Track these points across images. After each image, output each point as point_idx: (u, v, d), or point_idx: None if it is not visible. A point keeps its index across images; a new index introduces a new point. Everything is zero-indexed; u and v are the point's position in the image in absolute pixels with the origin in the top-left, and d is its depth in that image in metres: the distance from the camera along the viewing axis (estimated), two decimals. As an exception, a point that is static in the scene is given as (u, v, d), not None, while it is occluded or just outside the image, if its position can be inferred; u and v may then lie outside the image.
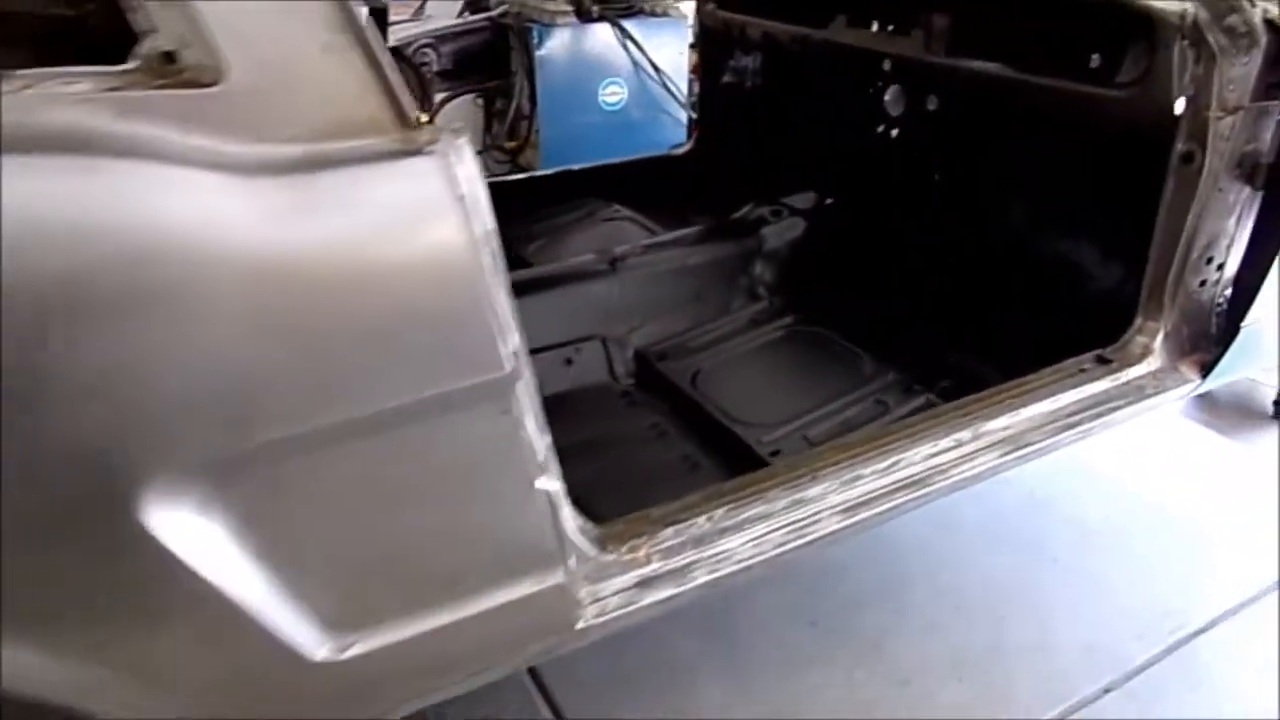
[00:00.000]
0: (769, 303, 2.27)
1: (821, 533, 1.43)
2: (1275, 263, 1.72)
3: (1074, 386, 1.72)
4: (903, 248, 2.32)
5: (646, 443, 1.90)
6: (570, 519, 1.26)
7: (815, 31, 2.41)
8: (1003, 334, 2.09)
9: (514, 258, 2.59)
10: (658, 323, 2.17)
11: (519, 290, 2.10)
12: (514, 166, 4.52)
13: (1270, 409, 2.81)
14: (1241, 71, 1.56)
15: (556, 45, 4.10)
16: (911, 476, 1.51)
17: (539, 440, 1.13)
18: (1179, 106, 1.65)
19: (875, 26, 2.31)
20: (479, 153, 4.22)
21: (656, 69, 4.27)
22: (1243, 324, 1.76)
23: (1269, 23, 1.52)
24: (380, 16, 3.80)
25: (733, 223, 2.40)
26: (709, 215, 2.68)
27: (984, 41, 1.99)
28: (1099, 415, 1.71)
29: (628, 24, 4.27)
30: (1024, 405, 1.66)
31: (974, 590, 2.18)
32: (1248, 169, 1.66)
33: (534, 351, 2.06)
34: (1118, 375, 1.77)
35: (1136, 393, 1.76)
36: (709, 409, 1.91)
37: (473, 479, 1.03)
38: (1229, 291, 1.80)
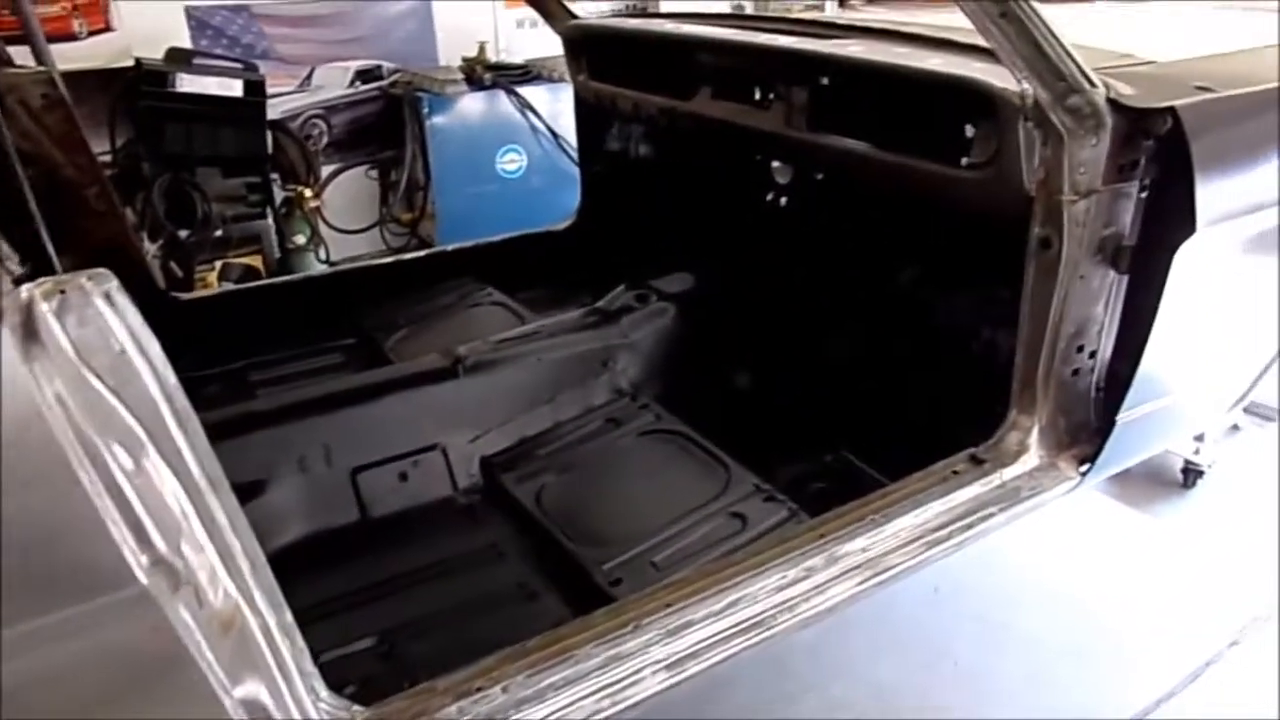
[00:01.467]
0: (632, 399, 2.10)
1: (642, 695, 1.23)
2: (1147, 349, 1.59)
3: (943, 494, 1.55)
4: (779, 334, 2.17)
5: (482, 567, 1.70)
6: (320, 708, 1.05)
7: (681, 104, 2.28)
8: (884, 426, 1.94)
9: (374, 351, 2.41)
10: (509, 426, 1.98)
11: (348, 399, 1.95)
12: (412, 238, 4.36)
13: (1180, 478, 2.70)
14: (1091, 154, 1.44)
15: (449, 114, 3.97)
16: (752, 618, 1.33)
17: (248, 638, 0.92)
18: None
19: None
20: (372, 226, 4.06)
21: (555, 135, 4.16)
22: (1119, 417, 1.62)
23: (1113, 102, 1.40)
24: (257, 89, 3.64)
25: (593, 312, 2.23)
26: (589, 295, 2.53)
27: (843, 117, 1.87)
28: (969, 526, 1.55)
29: (526, 90, 4.16)
30: (887, 521, 1.49)
31: (867, 702, 1.99)
32: (1110, 253, 1.54)
33: (364, 467, 1.90)
34: (991, 477, 1.61)
35: (1011, 496, 1.60)
36: (551, 529, 1.71)
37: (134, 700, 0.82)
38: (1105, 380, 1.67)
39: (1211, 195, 1.42)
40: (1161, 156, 1.47)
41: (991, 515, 1.58)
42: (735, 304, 2.29)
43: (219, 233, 3.69)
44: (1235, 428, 2.86)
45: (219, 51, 3.97)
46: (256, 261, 3.85)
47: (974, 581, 2.32)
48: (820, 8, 4.78)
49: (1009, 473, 1.63)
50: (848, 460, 1.90)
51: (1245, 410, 2.63)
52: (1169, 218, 1.47)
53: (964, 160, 1.61)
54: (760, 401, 2.04)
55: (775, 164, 2.32)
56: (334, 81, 4.22)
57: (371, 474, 1.83)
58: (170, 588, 0.80)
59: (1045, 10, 1.36)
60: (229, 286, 3.57)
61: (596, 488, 1.83)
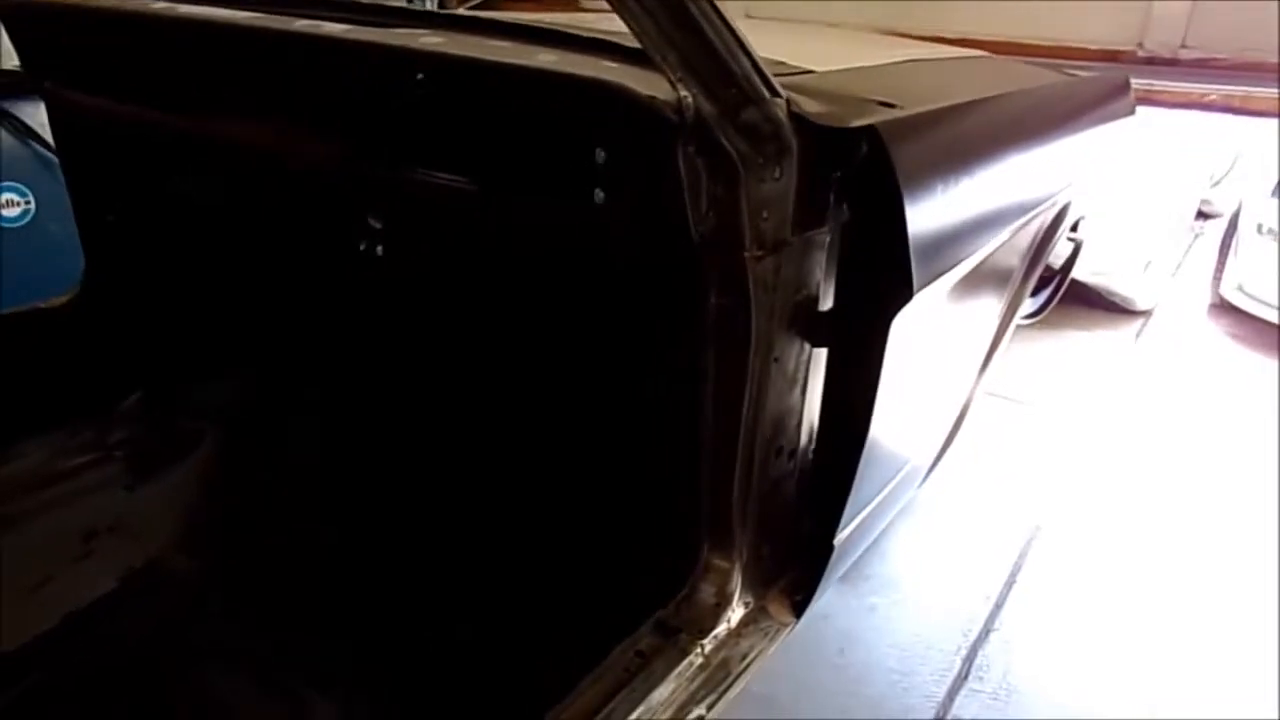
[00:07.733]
0: (146, 588, 1.31)
1: None
2: (866, 441, 1.19)
3: (628, 710, 1.02)
4: (377, 455, 1.51)
5: None
6: None
7: (197, 123, 1.54)
8: (533, 579, 1.38)
9: None
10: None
11: None
12: None
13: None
14: (775, 190, 0.99)
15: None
16: None
17: None
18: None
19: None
20: None
21: (73, 168, 3.08)
22: (836, 539, 1.22)
23: (797, 118, 0.97)
24: None
25: (84, 448, 1.42)
26: (94, 406, 1.68)
27: (428, 142, 1.27)
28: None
29: (26, 106, 3.03)
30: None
31: None
32: (804, 322, 1.12)
33: None
34: (690, 656, 1.12)
35: (719, 678, 1.12)
36: None
37: None
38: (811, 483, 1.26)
39: (928, 242, 1.04)
40: (851, 194, 1.07)
41: (703, 713, 1.08)
42: (311, 408, 1.59)
43: None
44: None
45: None
46: None
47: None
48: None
49: (711, 641, 1.15)
50: (482, 644, 1.31)
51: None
52: (876, 276, 1.08)
53: (597, 200, 1.08)
54: (347, 565, 1.37)
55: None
56: None
57: None
58: None
59: None
60: None
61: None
